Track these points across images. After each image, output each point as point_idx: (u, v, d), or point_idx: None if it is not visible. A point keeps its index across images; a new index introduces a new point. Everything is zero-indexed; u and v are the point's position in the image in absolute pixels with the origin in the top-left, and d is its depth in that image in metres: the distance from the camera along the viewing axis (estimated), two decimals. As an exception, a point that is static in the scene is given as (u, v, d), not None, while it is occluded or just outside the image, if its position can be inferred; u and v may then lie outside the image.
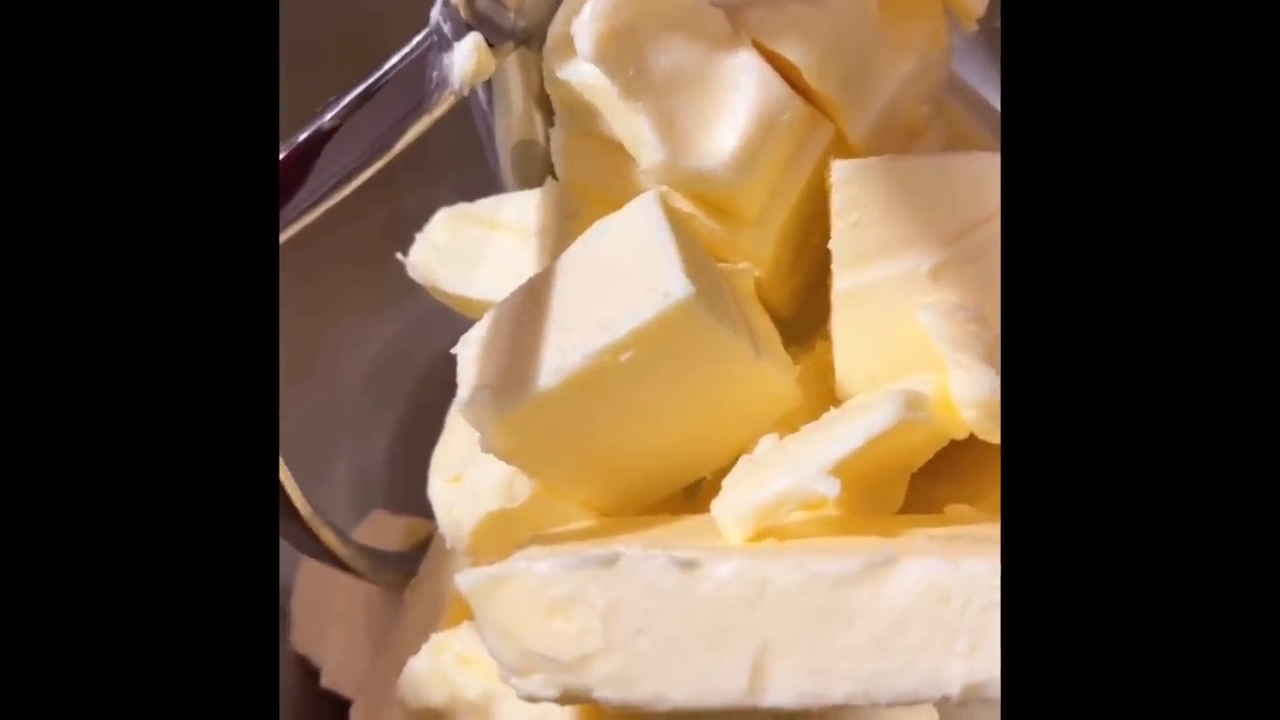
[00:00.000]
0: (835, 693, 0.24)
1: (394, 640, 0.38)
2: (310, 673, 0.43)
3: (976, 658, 0.23)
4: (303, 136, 0.28)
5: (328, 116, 0.28)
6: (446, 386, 0.31)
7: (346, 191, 0.29)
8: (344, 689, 0.41)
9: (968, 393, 0.27)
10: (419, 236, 0.38)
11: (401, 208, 0.39)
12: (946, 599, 0.24)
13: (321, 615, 0.43)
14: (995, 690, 0.23)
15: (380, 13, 0.43)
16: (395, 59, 0.29)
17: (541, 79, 0.32)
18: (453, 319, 0.38)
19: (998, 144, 0.37)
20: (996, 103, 0.39)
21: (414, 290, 0.38)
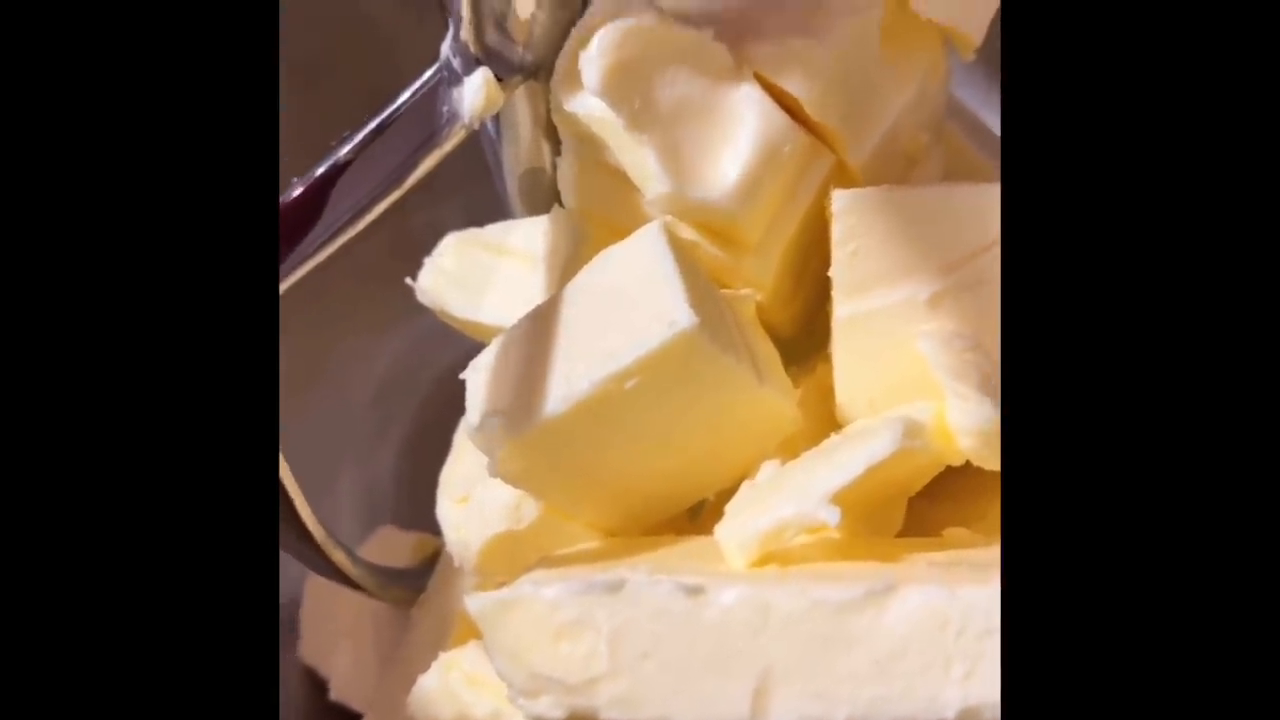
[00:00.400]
0: (836, 717, 0.25)
1: (402, 657, 0.38)
2: (319, 685, 0.43)
3: (972, 683, 0.24)
4: (319, 171, 0.29)
5: (343, 151, 0.29)
6: (453, 403, 0.31)
7: (362, 225, 0.29)
8: (352, 702, 0.41)
9: (964, 421, 0.28)
10: (428, 261, 0.38)
11: (409, 228, 0.40)
12: (944, 626, 0.24)
13: (330, 628, 0.43)
14: (991, 714, 0.24)
15: (384, 32, 0.44)
16: (407, 94, 0.30)
17: (548, 110, 0.33)
18: (459, 336, 0.38)
19: (996, 169, 0.37)
20: (995, 126, 0.39)
21: (421, 308, 0.38)
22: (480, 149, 0.37)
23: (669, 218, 0.32)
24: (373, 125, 0.29)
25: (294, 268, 0.29)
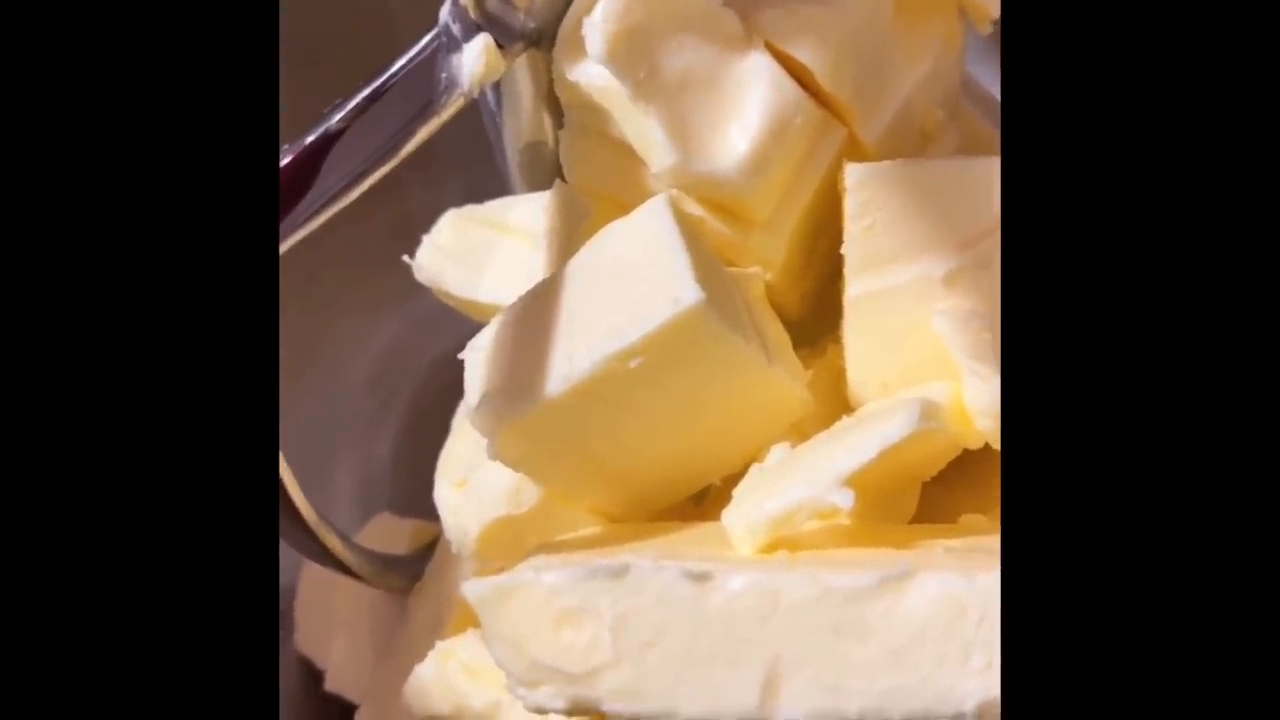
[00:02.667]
0: (849, 709, 0.24)
1: (399, 646, 0.37)
2: (314, 675, 0.42)
3: (992, 675, 0.23)
4: (310, 139, 0.28)
5: (335, 118, 0.28)
6: (452, 386, 0.31)
7: (355, 195, 0.29)
8: (348, 693, 0.41)
9: (982, 402, 0.27)
10: (426, 238, 0.37)
11: (408, 207, 0.39)
12: (963, 614, 0.23)
13: (325, 618, 0.42)
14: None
15: (389, 8, 0.43)
16: (403, 60, 0.29)
17: (551, 80, 0.32)
18: (459, 318, 0.38)
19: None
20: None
21: (419, 289, 0.38)
22: (481, 126, 0.37)
23: (675, 191, 0.31)
24: (367, 92, 0.28)
25: (283, 238, 0.28)
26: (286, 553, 0.35)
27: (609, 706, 0.25)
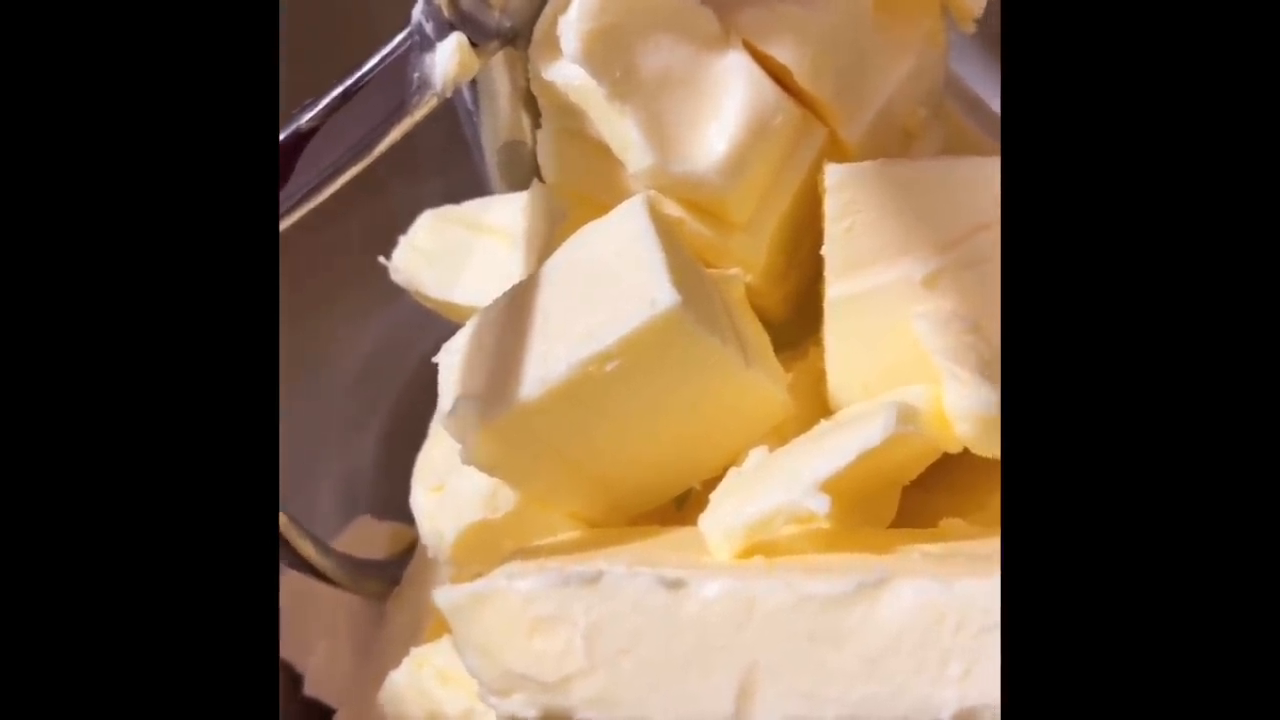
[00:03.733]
0: (825, 716, 0.23)
1: (376, 651, 0.37)
2: (293, 679, 0.42)
3: (970, 682, 0.23)
4: (280, 138, 0.28)
5: (305, 118, 0.28)
6: (434, 390, 0.30)
7: (325, 195, 0.28)
8: (326, 697, 0.41)
9: (962, 406, 0.27)
10: (402, 239, 0.37)
11: (386, 208, 0.39)
12: (940, 621, 0.23)
13: (305, 622, 0.42)
14: (990, 716, 0.23)
15: (373, 11, 0.43)
16: (375, 59, 0.29)
17: (528, 79, 0.32)
18: (440, 321, 0.37)
19: (996, 147, 0.36)
20: (995, 104, 0.38)
21: (400, 292, 0.38)
22: (459, 125, 0.36)
23: (653, 192, 0.30)
24: (339, 91, 0.28)
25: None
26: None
27: (582, 715, 0.25)
